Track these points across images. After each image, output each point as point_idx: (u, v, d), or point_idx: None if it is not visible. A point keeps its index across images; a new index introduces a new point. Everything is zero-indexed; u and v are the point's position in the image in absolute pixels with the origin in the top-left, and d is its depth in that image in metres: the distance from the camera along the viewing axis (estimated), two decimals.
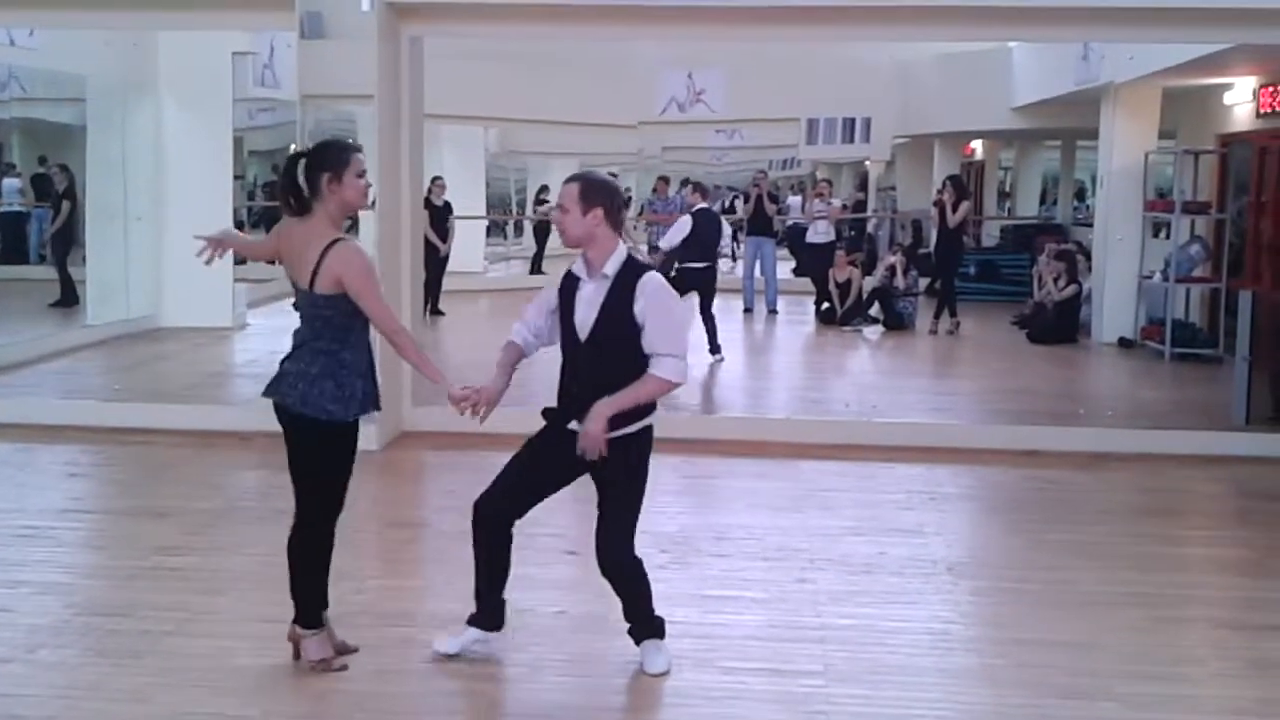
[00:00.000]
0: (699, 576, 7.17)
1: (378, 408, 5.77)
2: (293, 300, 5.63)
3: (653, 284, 5.49)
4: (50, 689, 5.53)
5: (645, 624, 5.84)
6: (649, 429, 5.64)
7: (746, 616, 6.54)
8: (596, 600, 6.51)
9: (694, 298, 15.00)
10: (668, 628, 5.90)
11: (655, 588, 6.82)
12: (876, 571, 7.32)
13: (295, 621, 5.73)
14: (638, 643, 5.84)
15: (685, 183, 17.29)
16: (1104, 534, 8.26)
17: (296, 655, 5.74)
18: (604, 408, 5.37)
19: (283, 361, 5.60)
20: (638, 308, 5.44)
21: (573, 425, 5.57)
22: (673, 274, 15.40)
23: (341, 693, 5.54)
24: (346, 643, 5.86)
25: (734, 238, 31.54)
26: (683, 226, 15.44)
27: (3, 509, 8.35)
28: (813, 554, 7.60)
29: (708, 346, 15.25)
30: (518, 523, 5.76)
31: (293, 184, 5.56)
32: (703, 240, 15.50)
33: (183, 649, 5.95)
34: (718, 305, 15.71)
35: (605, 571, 5.66)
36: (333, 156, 5.52)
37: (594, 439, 5.39)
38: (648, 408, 5.58)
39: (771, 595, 6.88)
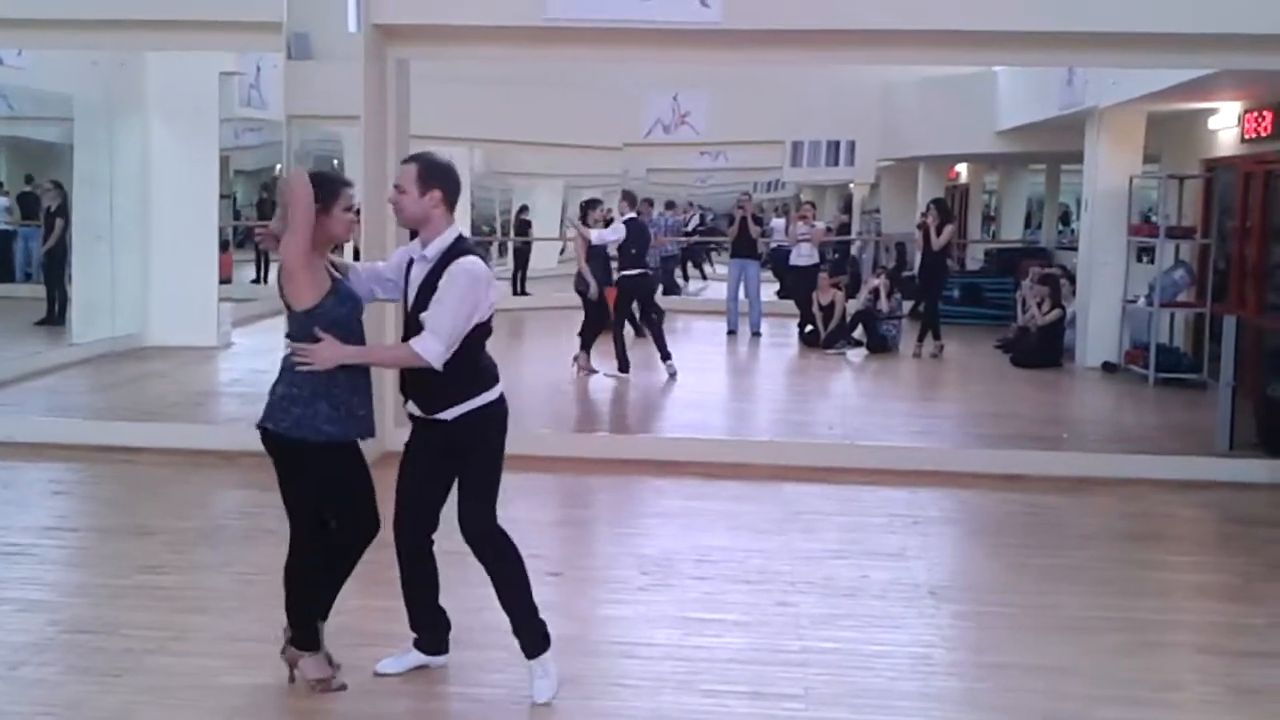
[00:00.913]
0: (680, 599, 7.17)
1: (372, 433, 5.75)
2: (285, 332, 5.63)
3: (458, 266, 5.49)
4: (33, 706, 5.52)
5: (529, 629, 5.74)
6: (496, 405, 5.67)
7: (728, 639, 6.53)
8: (578, 622, 6.52)
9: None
10: (648, 650, 5.91)
11: (636, 610, 6.87)
12: (859, 595, 7.33)
13: (291, 643, 5.74)
14: (528, 658, 5.73)
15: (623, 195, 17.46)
16: (1086, 558, 8.28)
17: (291, 678, 5.74)
18: (340, 351, 5.43)
19: (271, 388, 5.59)
20: (440, 284, 5.48)
21: (410, 407, 5.72)
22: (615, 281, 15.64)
23: (325, 713, 5.54)
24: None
25: (688, 259, 31.61)
26: (618, 230, 15.57)
27: None
28: (794, 577, 7.60)
29: (659, 355, 15.38)
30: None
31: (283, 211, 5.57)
32: (633, 248, 15.55)
33: (165, 667, 5.94)
34: (700, 327, 15.72)
35: (471, 544, 5.67)
36: (323, 188, 5.52)
37: (321, 357, 5.41)
38: (482, 384, 5.63)
39: (753, 618, 6.88)
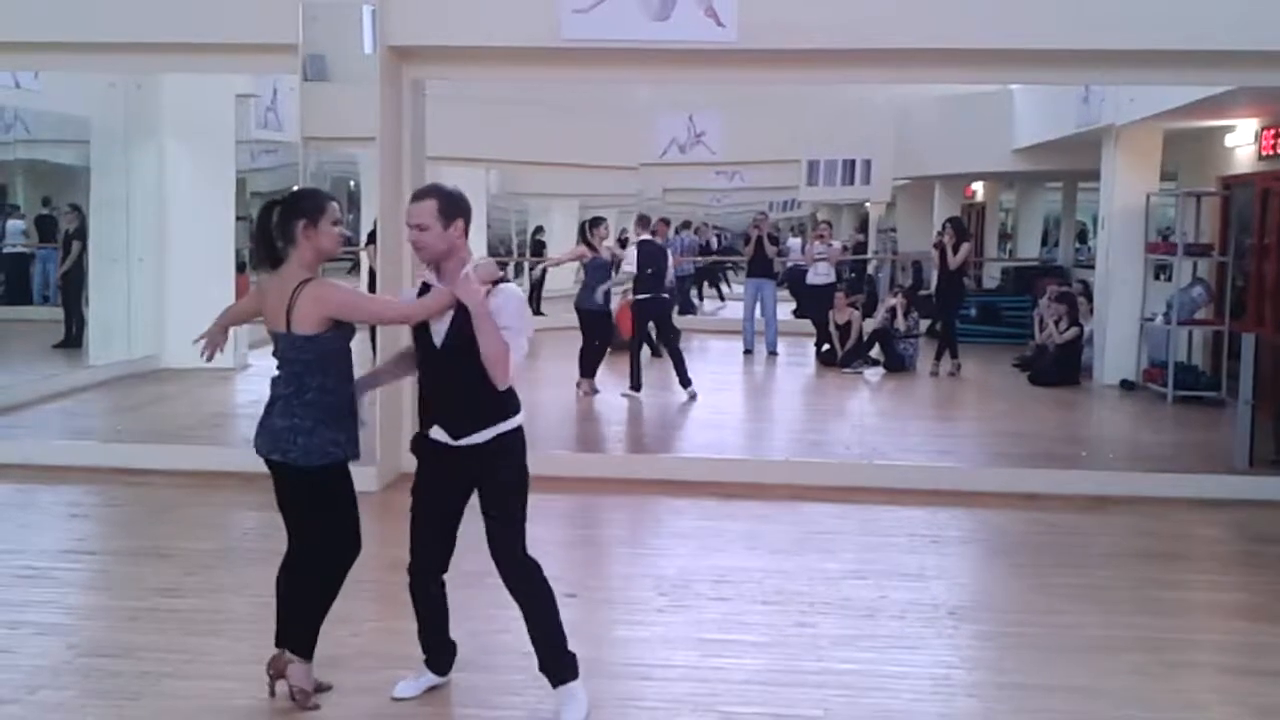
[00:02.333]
0: (698, 619, 7.15)
1: (359, 455, 5.77)
2: (272, 350, 5.66)
3: (507, 291, 5.56)
4: None
5: (559, 657, 5.73)
6: (520, 431, 5.67)
7: (746, 660, 6.51)
8: (594, 643, 6.49)
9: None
10: (666, 672, 5.90)
11: (654, 630, 6.87)
12: (878, 615, 7.30)
13: (288, 648, 5.74)
14: (555, 685, 5.71)
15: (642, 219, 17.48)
16: (1106, 578, 8.24)
17: (272, 692, 5.75)
18: (480, 296, 5.40)
19: (266, 415, 5.61)
20: (493, 305, 5.45)
21: (435, 434, 5.65)
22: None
23: None
24: (321, 681, 5.87)
25: (705, 279, 31.56)
26: (630, 259, 15.61)
27: (5, 550, 8.35)
28: (813, 597, 7.58)
29: (678, 380, 15.25)
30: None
31: (266, 234, 5.60)
32: (648, 269, 15.48)
33: (182, 691, 5.94)
34: (716, 346, 15.67)
35: (505, 574, 5.68)
36: (309, 204, 5.58)
37: (471, 292, 5.39)
38: (513, 408, 5.63)
39: (772, 639, 6.86)
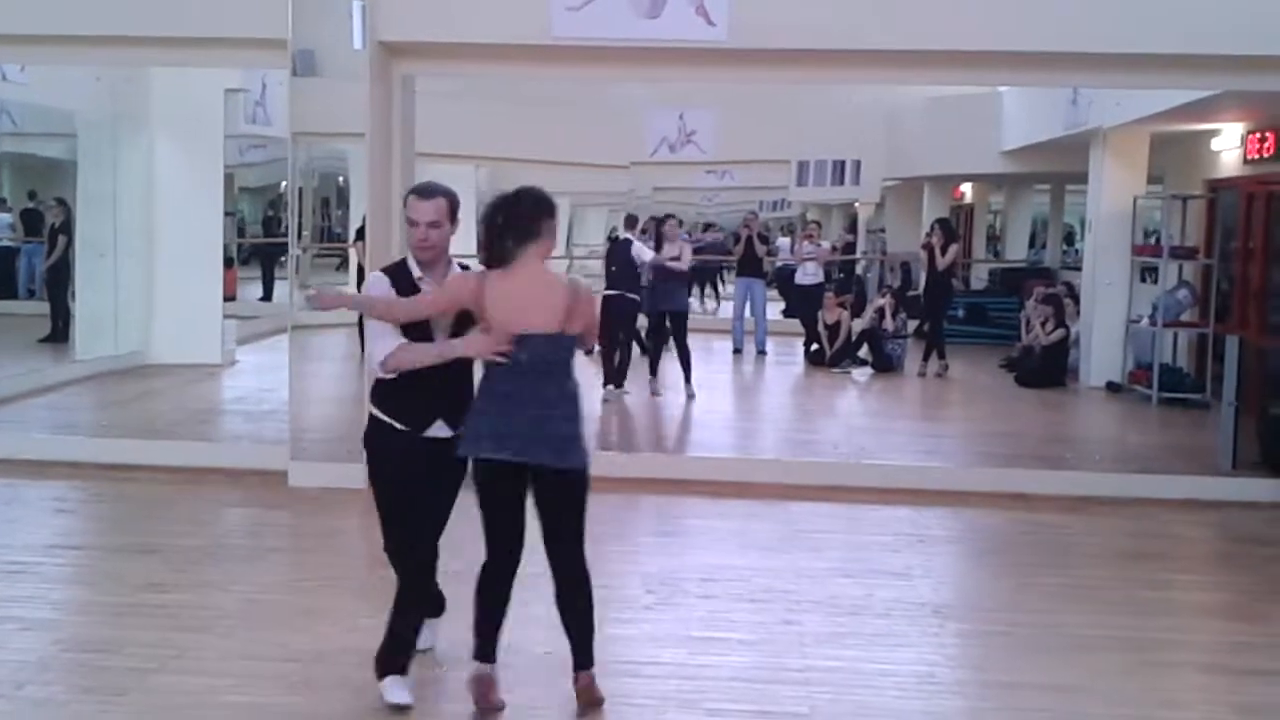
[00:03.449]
0: (685, 618, 7.16)
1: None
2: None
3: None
4: None
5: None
6: None
7: (732, 658, 6.52)
8: None
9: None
10: (653, 669, 5.95)
11: (642, 629, 6.89)
12: (863, 613, 7.31)
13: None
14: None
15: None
16: (1091, 578, 8.27)
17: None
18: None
19: None
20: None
21: (437, 429, 5.69)
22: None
23: None
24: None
25: (717, 279, 31.48)
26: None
27: None
28: (799, 595, 7.59)
29: (611, 378, 15.05)
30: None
31: (499, 234, 5.50)
32: (612, 266, 15.35)
33: (168, 686, 5.93)
34: (706, 345, 15.55)
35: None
36: (548, 203, 5.56)
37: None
38: None
39: (758, 637, 6.87)
